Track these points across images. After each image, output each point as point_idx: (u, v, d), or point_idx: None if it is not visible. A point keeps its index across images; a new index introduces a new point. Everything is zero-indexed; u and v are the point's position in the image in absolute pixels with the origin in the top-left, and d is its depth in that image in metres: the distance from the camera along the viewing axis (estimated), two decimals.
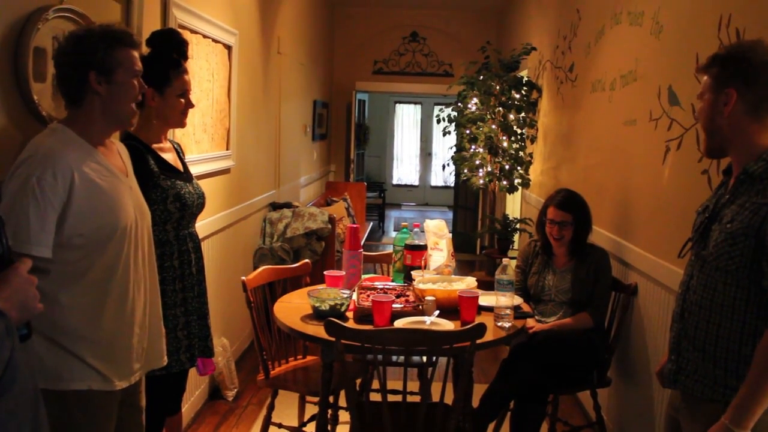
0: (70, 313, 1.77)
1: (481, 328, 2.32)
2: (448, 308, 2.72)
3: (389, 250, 3.51)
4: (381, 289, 2.94)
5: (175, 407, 2.66)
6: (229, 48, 4.02)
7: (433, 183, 14.59)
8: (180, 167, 2.53)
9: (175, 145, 2.63)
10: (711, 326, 1.79)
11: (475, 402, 3.01)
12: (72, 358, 1.78)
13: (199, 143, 3.54)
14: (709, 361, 1.79)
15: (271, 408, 3.08)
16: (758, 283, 1.70)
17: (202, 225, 3.46)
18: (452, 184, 10.46)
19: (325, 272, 3.09)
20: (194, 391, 3.61)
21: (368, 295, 2.77)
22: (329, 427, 2.94)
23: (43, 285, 1.71)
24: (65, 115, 1.92)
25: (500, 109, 6.10)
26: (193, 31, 3.38)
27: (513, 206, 7.20)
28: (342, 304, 2.69)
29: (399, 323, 2.55)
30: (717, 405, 1.75)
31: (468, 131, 6.36)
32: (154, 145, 2.45)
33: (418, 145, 14.52)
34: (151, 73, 2.21)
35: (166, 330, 2.38)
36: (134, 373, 1.96)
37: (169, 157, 2.50)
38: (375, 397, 2.92)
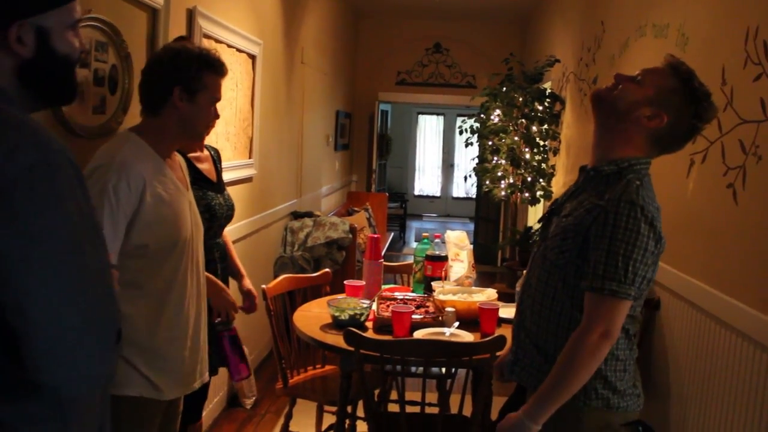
0: (129, 321, 1.77)
1: (501, 341, 2.30)
2: (468, 320, 2.70)
3: (410, 260, 3.50)
4: (401, 299, 2.93)
5: (197, 415, 2.68)
6: (253, 57, 4.05)
7: (455, 194, 14.56)
8: (214, 177, 2.55)
9: (212, 152, 2.65)
10: (542, 320, 1.77)
11: (494, 415, 2.98)
12: (126, 366, 1.80)
13: (222, 151, 3.56)
14: (541, 355, 1.78)
15: (288, 417, 3.08)
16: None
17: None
18: (474, 196, 10.42)
19: (345, 282, 3.09)
20: (213, 398, 3.62)
21: (388, 306, 2.76)
22: None
23: None
24: (92, 121, 1.95)
25: (523, 120, 6.07)
26: (217, 41, 3.41)
27: (535, 218, 7.15)
28: (362, 314, 2.68)
29: (418, 334, 2.54)
30: None
31: (490, 143, 6.34)
32: (190, 155, 2.47)
33: (440, 156, 14.51)
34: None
35: None
36: (188, 384, 1.97)
37: (205, 167, 2.52)
38: (393, 408, 2.91)
